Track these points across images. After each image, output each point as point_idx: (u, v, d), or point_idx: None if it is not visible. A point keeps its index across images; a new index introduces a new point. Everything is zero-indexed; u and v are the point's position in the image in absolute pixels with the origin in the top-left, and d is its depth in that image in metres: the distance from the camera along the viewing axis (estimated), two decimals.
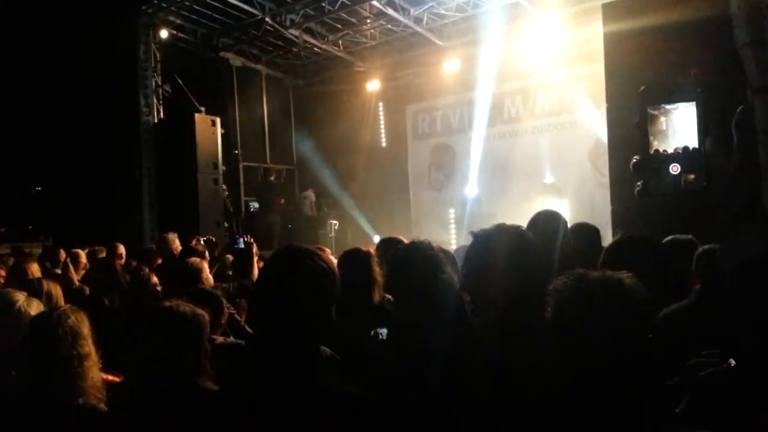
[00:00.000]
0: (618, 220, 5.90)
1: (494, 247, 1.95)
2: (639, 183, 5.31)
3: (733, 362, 1.74)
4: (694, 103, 5.12)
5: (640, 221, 5.34)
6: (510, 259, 1.88)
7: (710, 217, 4.64)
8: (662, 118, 5.38)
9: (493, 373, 1.73)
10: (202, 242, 6.31)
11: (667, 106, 5.30)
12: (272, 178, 13.18)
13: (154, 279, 4.04)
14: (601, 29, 6.44)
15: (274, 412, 1.51)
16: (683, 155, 5.12)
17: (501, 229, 2.02)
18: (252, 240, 5.08)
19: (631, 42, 5.87)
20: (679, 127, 5.29)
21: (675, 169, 5.12)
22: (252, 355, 1.67)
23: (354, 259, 3.17)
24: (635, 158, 5.35)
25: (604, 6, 6.50)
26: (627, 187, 5.95)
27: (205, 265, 4.32)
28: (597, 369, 1.37)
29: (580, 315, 1.39)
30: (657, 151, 5.29)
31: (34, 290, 3.08)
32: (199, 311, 2.24)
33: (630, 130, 5.74)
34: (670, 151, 5.23)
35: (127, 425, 2.04)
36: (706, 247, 2.73)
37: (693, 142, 5.15)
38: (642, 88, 5.27)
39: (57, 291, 3.28)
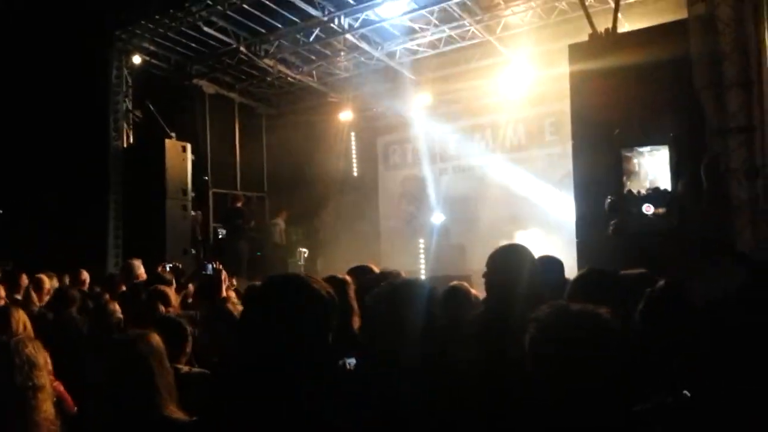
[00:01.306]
0: (583, 252, 6.02)
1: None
2: (612, 222, 5.46)
3: (687, 393, 1.80)
4: (666, 146, 5.32)
5: (604, 254, 5.46)
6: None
7: (671, 253, 4.78)
8: (635, 160, 5.57)
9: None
10: (168, 269, 6.21)
11: (640, 149, 5.49)
12: (239, 204, 13.08)
13: (116, 307, 3.97)
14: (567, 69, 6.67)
15: None
16: (655, 195, 5.30)
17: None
18: (221, 266, 5.01)
19: (595, 82, 6.09)
20: (651, 168, 5.49)
21: (648, 209, 5.29)
22: (235, 385, 1.63)
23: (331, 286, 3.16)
24: (609, 198, 5.50)
25: (571, 47, 6.73)
26: (591, 221, 6.11)
27: (172, 292, 4.25)
28: (574, 393, 1.41)
29: (561, 343, 1.44)
30: (630, 191, 5.47)
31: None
32: (155, 338, 2.21)
33: (594, 167, 5.91)
34: (642, 191, 5.41)
35: None
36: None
37: (665, 183, 5.33)
38: (616, 131, 5.46)
39: (22, 316, 3.20)
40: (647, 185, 5.43)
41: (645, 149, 5.47)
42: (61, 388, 2.99)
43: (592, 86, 6.09)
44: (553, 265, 3.75)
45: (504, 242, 3.43)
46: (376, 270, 4.06)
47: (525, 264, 2.94)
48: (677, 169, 5.22)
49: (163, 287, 4.26)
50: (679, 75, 5.51)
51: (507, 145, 12.56)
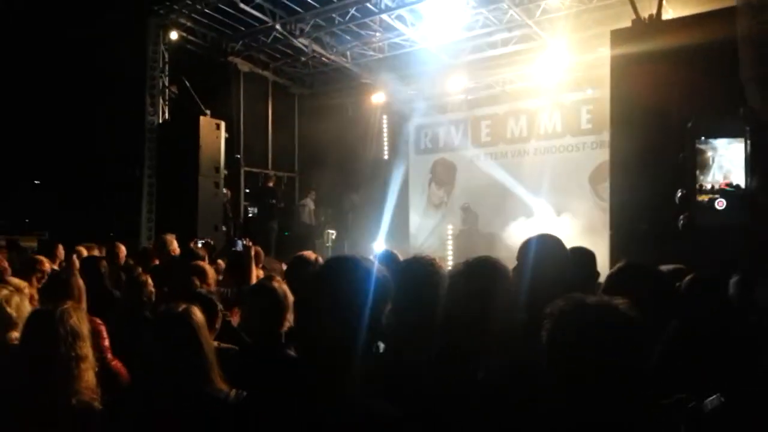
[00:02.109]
0: (616, 245, 5.91)
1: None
2: (683, 216, 5.32)
3: (721, 398, 1.74)
4: (741, 139, 5.13)
5: (638, 248, 5.35)
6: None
7: (737, 250, 4.63)
8: (708, 153, 5.39)
9: None
10: (200, 245, 6.31)
11: (714, 141, 5.30)
12: (270, 184, 13.18)
13: (149, 280, 4.03)
14: (607, 55, 6.51)
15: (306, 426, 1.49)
16: (728, 190, 5.13)
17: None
18: (251, 243, 5.05)
19: (638, 68, 5.94)
20: (725, 161, 5.30)
21: (720, 204, 5.14)
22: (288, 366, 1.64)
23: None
24: (680, 191, 5.36)
25: (613, 32, 6.57)
26: (626, 213, 5.98)
27: (210, 269, 4.29)
28: (589, 390, 1.37)
29: (576, 339, 1.40)
30: (702, 185, 5.30)
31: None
32: (199, 312, 2.22)
33: (633, 153, 5.77)
34: (712, 185, 5.23)
35: (125, 424, 2.02)
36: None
37: (737, 178, 5.15)
38: (691, 121, 5.29)
39: (82, 286, 3.28)
40: (720, 179, 5.23)
41: (722, 141, 5.24)
42: (119, 365, 3.06)
43: (635, 72, 5.94)
44: (584, 257, 3.68)
45: (533, 233, 3.37)
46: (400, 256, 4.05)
47: (557, 256, 2.89)
48: (752, 163, 5.01)
49: (202, 263, 4.30)
50: (728, 65, 5.31)
51: (542, 132, 12.35)
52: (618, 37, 6.46)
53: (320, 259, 3.47)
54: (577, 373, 1.39)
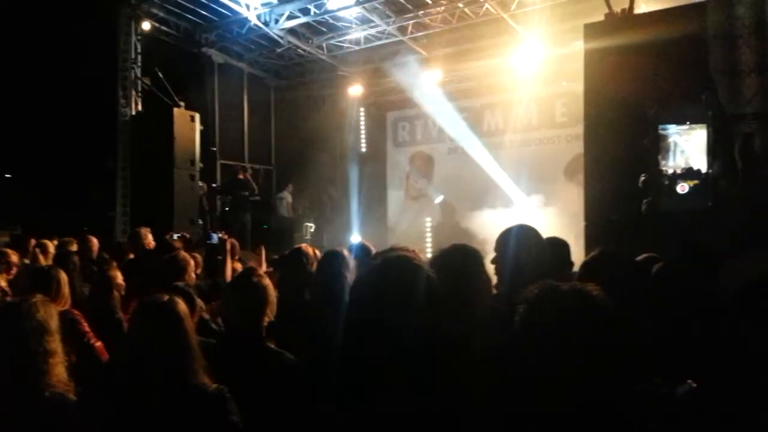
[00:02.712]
0: (591, 235, 6.01)
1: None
2: (645, 200, 5.38)
3: (693, 384, 1.78)
4: (704, 125, 5.19)
5: (611, 237, 5.44)
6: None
7: (701, 236, 4.72)
8: (671, 138, 5.46)
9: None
10: (175, 238, 6.24)
11: (677, 127, 5.37)
12: (241, 176, 13.06)
13: (117, 274, 3.99)
14: (582, 48, 6.58)
15: None
16: (690, 175, 5.19)
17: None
18: (227, 236, 5.01)
19: (610, 61, 6.01)
20: (687, 147, 5.37)
21: (683, 188, 5.20)
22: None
23: (330, 259, 3.22)
24: (643, 176, 5.42)
25: (587, 26, 6.64)
26: (600, 204, 6.08)
27: (191, 262, 4.25)
28: (562, 376, 1.39)
29: (549, 324, 1.42)
30: (664, 170, 5.36)
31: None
32: (182, 303, 2.19)
33: (607, 146, 5.85)
34: (674, 170, 5.30)
35: (102, 415, 2.00)
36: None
37: (700, 164, 5.22)
38: (655, 108, 5.35)
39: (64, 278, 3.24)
40: (683, 164, 5.30)
41: (682, 127, 5.33)
42: (102, 347, 3.02)
43: (608, 65, 6.01)
44: (559, 247, 3.74)
45: (510, 224, 3.42)
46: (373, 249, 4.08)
47: (536, 246, 2.94)
48: (714, 149, 5.09)
49: (185, 255, 4.24)
50: (697, 57, 5.42)
51: (518, 125, 12.45)
52: (591, 30, 6.52)
53: (346, 253, 3.44)
54: (552, 358, 1.40)
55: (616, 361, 1.40)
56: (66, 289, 3.29)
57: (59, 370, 2.10)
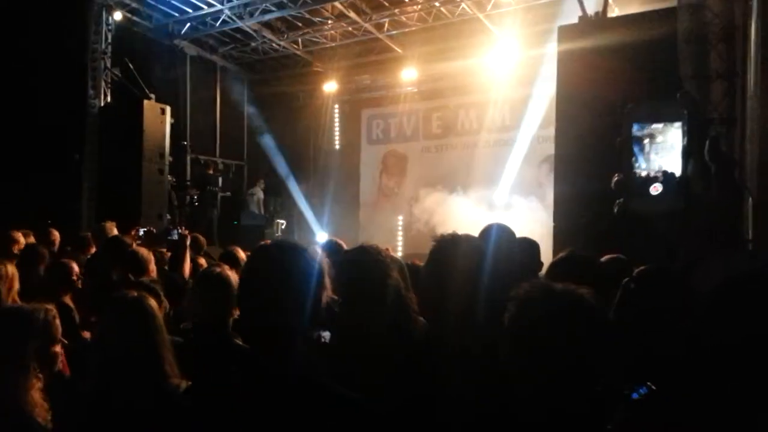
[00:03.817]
0: (560, 236, 6.05)
1: (455, 253, 2.01)
2: (618, 201, 5.38)
3: (653, 387, 1.79)
4: (679, 124, 5.17)
5: (580, 239, 5.49)
6: (469, 267, 1.96)
7: (648, 240, 4.78)
8: (645, 140, 5.45)
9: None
10: (141, 233, 6.12)
11: (652, 127, 5.35)
12: (210, 171, 12.88)
13: (74, 267, 3.88)
14: (555, 50, 6.63)
15: (255, 408, 1.47)
16: (664, 177, 5.18)
17: (461, 238, 2.09)
18: (187, 232, 4.92)
19: (583, 63, 6.06)
20: (661, 148, 5.36)
21: (656, 189, 5.18)
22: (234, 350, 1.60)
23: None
24: (617, 176, 5.41)
25: (560, 28, 6.69)
26: (569, 205, 6.13)
27: (152, 257, 4.16)
28: (553, 371, 1.38)
29: (544, 321, 1.40)
30: (637, 172, 5.35)
31: None
32: (152, 300, 2.14)
33: (577, 148, 5.90)
34: (647, 171, 5.29)
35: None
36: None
37: (673, 165, 5.21)
38: (629, 105, 5.34)
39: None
40: (656, 166, 5.28)
41: (656, 127, 5.31)
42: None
43: (581, 67, 6.06)
44: (529, 247, 3.77)
45: (483, 224, 3.42)
46: (345, 246, 4.02)
47: (513, 244, 2.95)
48: (689, 148, 5.10)
49: (145, 250, 4.13)
50: (668, 61, 5.49)
51: (492, 126, 12.53)
52: (565, 33, 6.58)
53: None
54: (544, 359, 1.39)
55: (601, 362, 1.40)
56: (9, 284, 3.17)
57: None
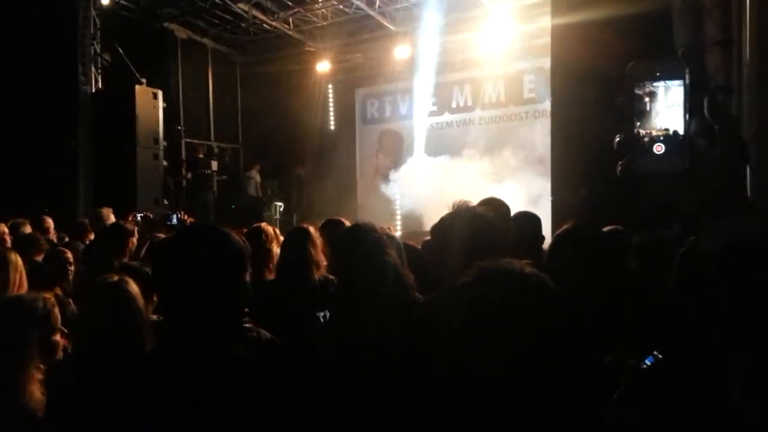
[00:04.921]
0: (557, 210, 6.06)
1: (455, 225, 2.04)
2: (620, 162, 5.31)
3: (659, 355, 1.78)
4: (680, 82, 5.07)
5: (579, 212, 5.49)
6: (470, 237, 1.97)
7: (678, 199, 4.69)
8: (646, 99, 5.35)
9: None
10: (138, 219, 6.09)
11: (652, 86, 5.25)
12: (201, 155, 12.81)
13: (68, 255, 3.87)
14: (549, 24, 6.57)
15: (188, 385, 1.47)
16: (667, 136, 5.09)
17: (463, 210, 2.13)
18: (186, 217, 4.91)
19: (577, 34, 6.01)
20: (663, 107, 5.26)
21: (659, 149, 5.09)
22: (173, 332, 1.59)
23: (294, 237, 3.20)
24: (619, 136, 5.32)
25: (554, 1, 6.62)
26: (567, 179, 6.12)
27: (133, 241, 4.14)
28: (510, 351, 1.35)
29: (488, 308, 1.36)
30: (640, 132, 5.26)
31: None
32: (132, 283, 2.14)
33: (574, 121, 5.87)
34: (650, 130, 5.19)
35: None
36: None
37: (676, 124, 5.12)
38: (630, 64, 5.24)
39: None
40: (659, 125, 5.16)
41: (657, 86, 5.19)
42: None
43: (575, 40, 6.01)
44: (530, 221, 3.76)
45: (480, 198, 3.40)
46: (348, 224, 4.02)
47: (503, 218, 2.93)
48: (691, 105, 5.01)
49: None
50: (665, 31, 5.43)
51: (486, 102, 12.45)
52: (559, 6, 6.52)
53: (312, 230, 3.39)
54: (504, 338, 1.36)
55: (565, 336, 1.36)
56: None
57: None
